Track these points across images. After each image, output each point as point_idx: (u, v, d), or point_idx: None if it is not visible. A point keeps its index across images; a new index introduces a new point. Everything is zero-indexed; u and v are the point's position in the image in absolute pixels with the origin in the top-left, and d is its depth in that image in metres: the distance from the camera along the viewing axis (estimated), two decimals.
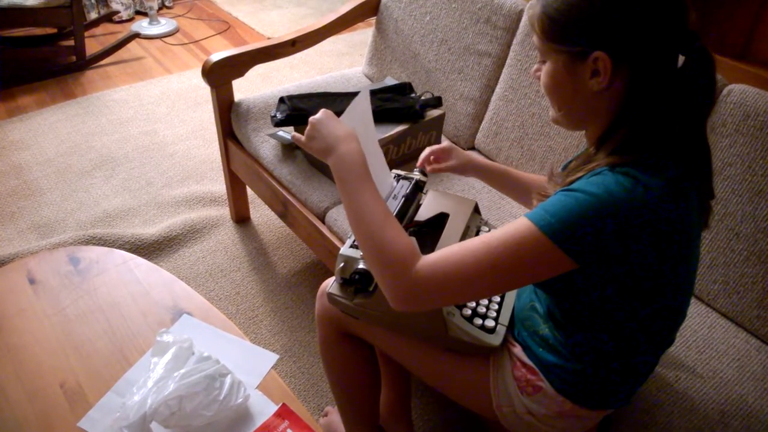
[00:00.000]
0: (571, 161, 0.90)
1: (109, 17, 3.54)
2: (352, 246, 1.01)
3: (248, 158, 1.79)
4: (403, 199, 1.12)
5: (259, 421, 0.98)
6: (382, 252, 0.80)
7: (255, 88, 2.96)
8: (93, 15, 3.52)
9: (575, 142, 1.48)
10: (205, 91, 2.83)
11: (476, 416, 1.09)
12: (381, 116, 1.55)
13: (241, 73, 1.79)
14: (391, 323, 1.03)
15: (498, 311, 1.01)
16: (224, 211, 2.15)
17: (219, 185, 2.25)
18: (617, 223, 0.72)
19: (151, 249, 1.96)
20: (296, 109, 1.62)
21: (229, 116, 1.84)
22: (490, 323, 0.98)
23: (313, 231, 1.58)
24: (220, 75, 1.75)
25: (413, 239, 0.82)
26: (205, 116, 2.72)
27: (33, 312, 1.18)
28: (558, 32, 0.78)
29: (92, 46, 3.23)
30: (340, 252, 1.00)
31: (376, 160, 1.09)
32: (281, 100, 1.66)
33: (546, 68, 0.82)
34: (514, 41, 1.62)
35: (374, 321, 1.04)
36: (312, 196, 1.58)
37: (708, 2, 2.08)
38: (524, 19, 1.60)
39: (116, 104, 2.80)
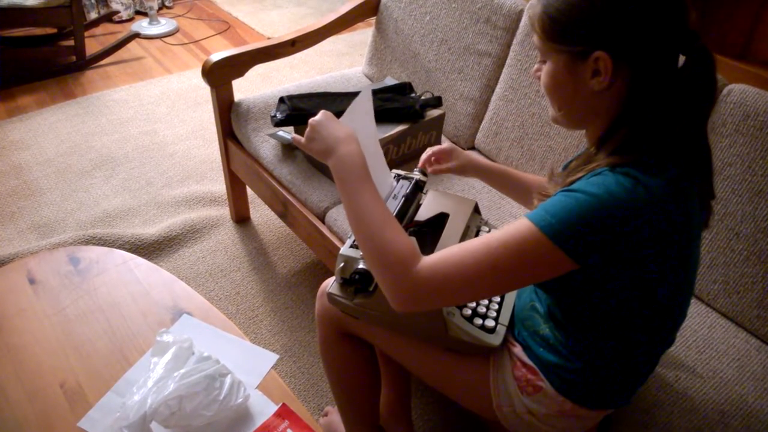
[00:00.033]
0: (571, 161, 0.90)
1: (109, 17, 3.54)
2: (352, 246, 1.01)
3: (248, 158, 1.79)
4: (403, 199, 1.12)
5: (259, 421, 0.98)
6: (382, 253, 0.80)
7: (255, 88, 2.96)
8: (93, 15, 3.52)
9: (575, 142, 1.48)
10: (205, 91, 2.83)
11: (476, 416, 1.08)
12: (381, 116, 1.55)
13: (241, 73, 1.79)
14: (391, 323, 1.03)
15: (498, 311, 1.01)
16: (224, 211, 2.15)
17: (219, 185, 2.25)
18: (618, 224, 0.72)
19: (151, 249, 1.96)
20: (296, 109, 1.62)
21: (229, 116, 1.84)
22: (490, 323, 0.98)
23: (313, 231, 1.58)
24: (220, 75, 1.75)
25: (413, 240, 0.82)
26: (205, 116, 2.72)
27: (33, 312, 1.18)
28: (559, 32, 0.78)
29: (92, 46, 3.23)
30: (340, 252, 1.00)
31: (377, 161, 1.09)
32: (281, 100, 1.66)
33: (546, 68, 0.82)
34: (514, 41, 1.62)
35: (374, 321, 1.04)
36: (312, 196, 1.58)
37: (708, 2, 2.09)
38: (524, 19, 1.60)
39: (116, 104, 2.80)
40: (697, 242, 0.84)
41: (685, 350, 1.16)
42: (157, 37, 3.47)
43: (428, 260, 0.78)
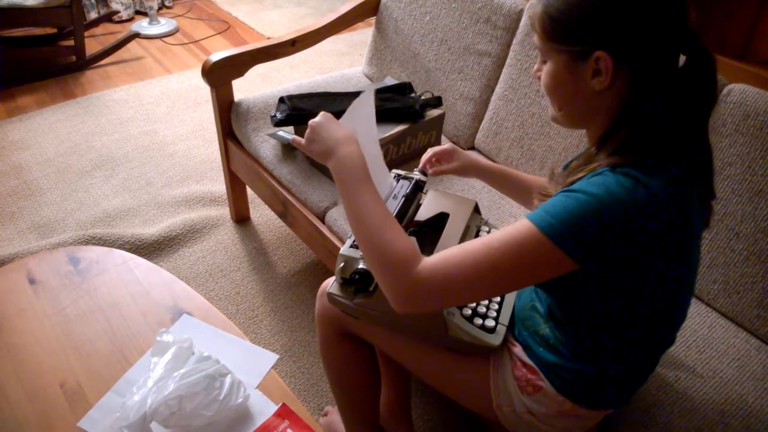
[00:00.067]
0: (572, 161, 0.90)
1: (109, 17, 3.54)
2: (352, 246, 1.01)
3: (248, 158, 1.79)
4: (403, 199, 1.12)
5: (259, 421, 0.98)
6: (383, 254, 0.80)
7: (255, 88, 2.96)
8: (93, 15, 3.52)
9: (575, 141, 1.48)
10: (205, 91, 2.83)
11: (476, 416, 1.09)
12: (381, 116, 1.54)
13: (241, 73, 1.79)
14: (391, 323, 1.03)
15: (498, 311, 1.01)
16: (224, 211, 2.15)
17: (219, 185, 2.25)
18: (618, 224, 0.72)
19: (151, 249, 1.96)
20: (296, 109, 1.61)
21: (229, 116, 1.84)
22: (490, 323, 0.98)
23: (313, 231, 1.58)
24: (220, 75, 1.75)
25: (414, 241, 0.82)
26: (205, 116, 2.72)
27: (33, 312, 1.18)
28: (559, 32, 0.78)
29: (92, 46, 3.23)
30: (340, 252, 1.00)
31: (376, 162, 1.09)
32: (281, 100, 1.66)
33: (547, 68, 0.82)
34: (514, 41, 1.62)
35: (374, 321, 1.04)
36: (312, 196, 1.58)
37: (708, 2, 2.08)
38: (524, 18, 1.60)
39: (116, 104, 2.80)
40: (697, 242, 0.84)
41: (685, 350, 1.16)
42: (157, 37, 3.47)
43: (429, 261, 0.78)
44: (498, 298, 1.04)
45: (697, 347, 1.17)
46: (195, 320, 1.17)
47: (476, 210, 1.16)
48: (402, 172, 1.20)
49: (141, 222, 2.10)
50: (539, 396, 0.93)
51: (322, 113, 0.94)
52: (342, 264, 1.00)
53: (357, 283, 0.99)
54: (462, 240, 1.05)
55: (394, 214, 1.07)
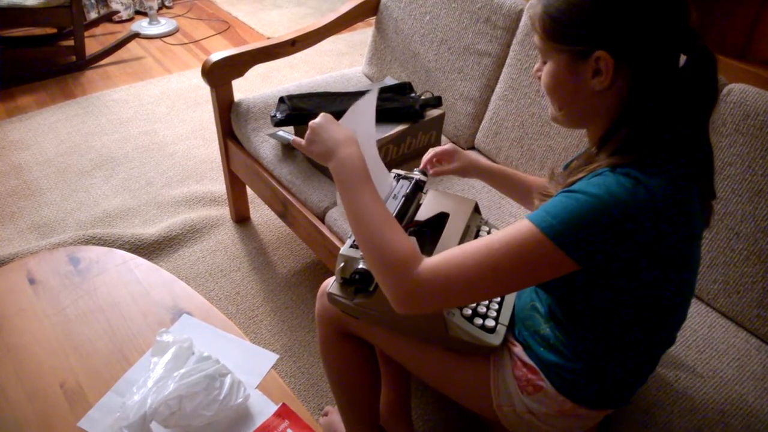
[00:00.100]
0: (572, 161, 0.90)
1: (108, 17, 3.54)
2: (352, 246, 1.01)
3: (248, 158, 1.79)
4: (403, 198, 1.12)
5: (259, 421, 0.98)
6: (383, 255, 0.80)
7: (255, 88, 2.96)
8: (93, 15, 3.52)
9: (575, 141, 1.47)
10: (205, 91, 2.83)
11: (476, 416, 1.09)
12: (381, 116, 1.54)
13: (241, 73, 1.79)
14: (391, 323, 1.03)
15: (498, 311, 1.01)
16: (224, 211, 2.15)
17: (219, 185, 2.25)
18: (619, 224, 0.72)
19: (151, 249, 1.96)
20: (296, 109, 1.61)
21: (229, 116, 1.84)
22: (490, 323, 0.98)
23: (313, 231, 1.58)
24: (220, 75, 1.75)
25: (414, 241, 0.82)
26: (205, 116, 2.72)
27: (33, 312, 1.18)
28: (559, 31, 0.77)
29: (92, 46, 3.23)
30: (340, 252, 1.00)
31: (376, 162, 1.09)
32: (281, 99, 1.66)
33: (547, 68, 0.82)
34: (514, 41, 1.62)
35: (374, 321, 1.04)
36: (312, 196, 1.58)
37: (708, 2, 2.08)
38: (524, 18, 1.60)
39: (116, 104, 2.80)
40: (697, 242, 0.84)
41: (685, 350, 1.16)
42: (156, 37, 3.47)
43: (429, 262, 0.78)
44: (498, 298, 1.04)
45: (697, 347, 1.17)
46: (195, 320, 1.17)
47: (476, 210, 1.16)
48: (402, 172, 1.20)
49: (141, 222, 2.10)
50: (539, 396, 0.93)
51: (322, 114, 0.94)
52: (342, 264, 1.00)
53: (357, 283, 0.99)
54: (462, 240, 1.05)
55: (394, 214, 1.07)
